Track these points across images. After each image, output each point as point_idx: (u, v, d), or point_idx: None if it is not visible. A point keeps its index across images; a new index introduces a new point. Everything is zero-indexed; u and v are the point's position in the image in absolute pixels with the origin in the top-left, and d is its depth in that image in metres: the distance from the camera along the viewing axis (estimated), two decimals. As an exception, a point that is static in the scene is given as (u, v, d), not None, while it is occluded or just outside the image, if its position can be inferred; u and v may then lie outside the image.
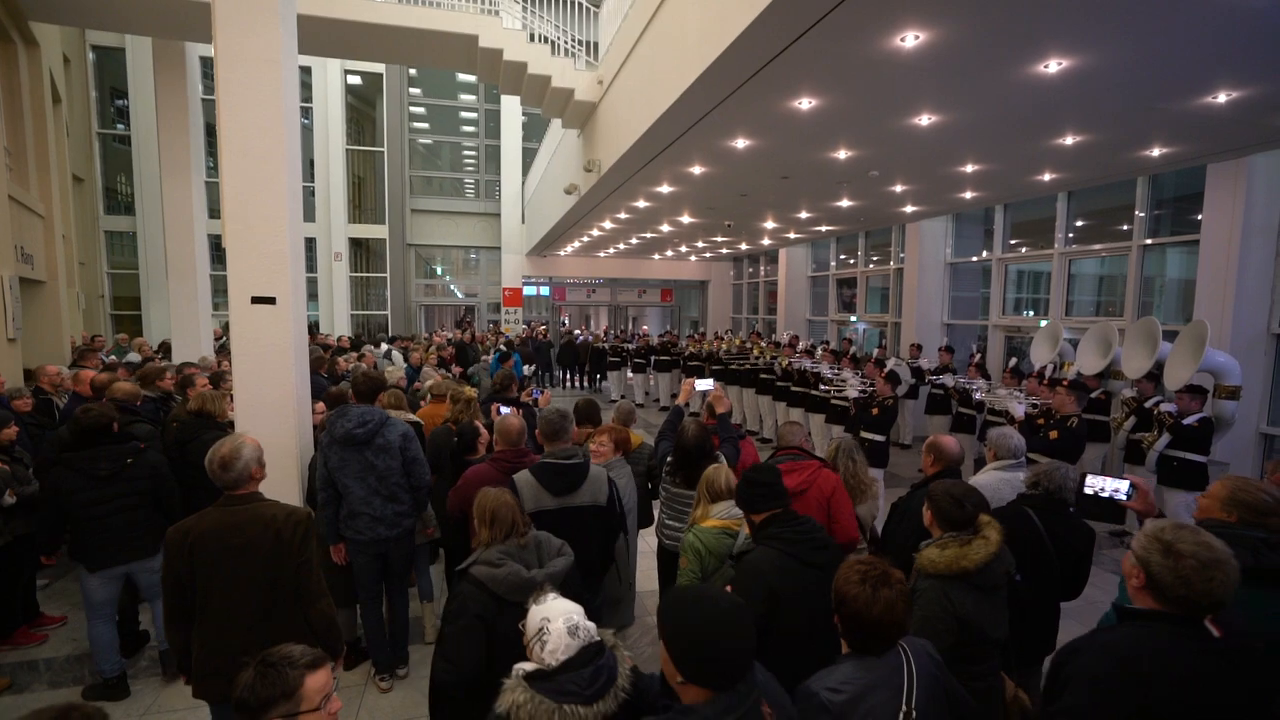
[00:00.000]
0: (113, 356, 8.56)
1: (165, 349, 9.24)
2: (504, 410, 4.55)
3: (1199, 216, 6.68)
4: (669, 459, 3.38)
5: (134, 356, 8.74)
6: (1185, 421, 5.28)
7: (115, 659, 3.58)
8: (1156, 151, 5.82)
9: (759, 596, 2.16)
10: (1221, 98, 4.38)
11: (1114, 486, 2.24)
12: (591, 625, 1.67)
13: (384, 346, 10.41)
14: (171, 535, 2.38)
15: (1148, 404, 5.87)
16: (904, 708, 1.59)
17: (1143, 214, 7.51)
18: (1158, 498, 5.66)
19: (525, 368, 10.27)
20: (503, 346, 11.67)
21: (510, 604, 2.06)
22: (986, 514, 2.31)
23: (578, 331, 17.64)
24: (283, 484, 3.90)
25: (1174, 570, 1.53)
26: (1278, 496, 2.15)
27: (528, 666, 1.61)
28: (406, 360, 8.84)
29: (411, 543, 3.74)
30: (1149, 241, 7.49)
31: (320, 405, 4.78)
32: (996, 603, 2.22)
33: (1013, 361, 7.90)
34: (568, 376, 16.06)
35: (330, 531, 3.55)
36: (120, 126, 14.77)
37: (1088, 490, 2.31)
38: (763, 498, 2.35)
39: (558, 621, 1.62)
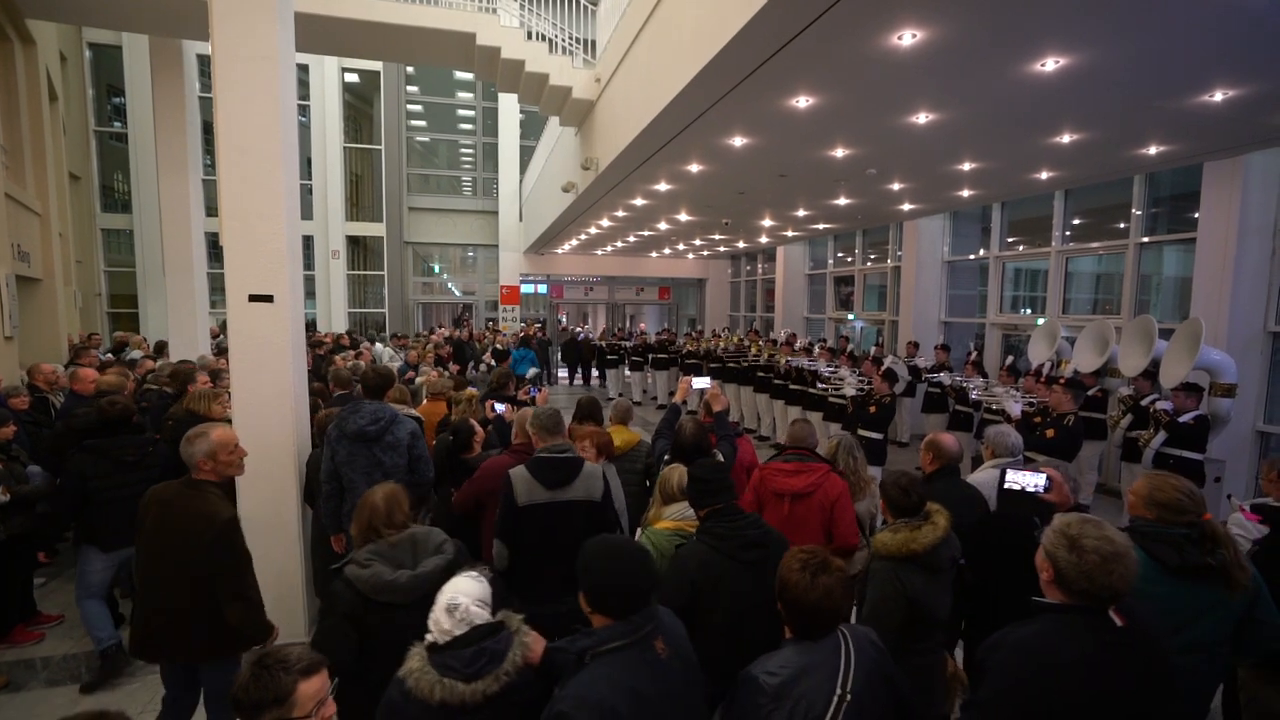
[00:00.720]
0: (110, 354, 8.54)
1: (160, 348, 9.21)
2: (499, 408, 4.56)
3: (1196, 215, 6.70)
4: (666, 457, 3.39)
5: (136, 354, 8.72)
6: (1181, 419, 5.29)
7: (109, 628, 3.71)
8: (1153, 150, 5.83)
9: (678, 588, 2.25)
10: (1218, 96, 4.38)
11: (1032, 481, 2.31)
12: (479, 611, 1.75)
13: (377, 346, 10.39)
14: (148, 492, 2.66)
15: (1144, 402, 5.88)
16: (839, 690, 1.62)
17: (1140, 212, 7.53)
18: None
19: (530, 370, 10.21)
20: (499, 346, 11.66)
21: (376, 603, 2.12)
22: (935, 503, 2.43)
23: (579, 329, 17.66)
24: (280, 481, 3.91)
25: (1077, 565, 1.61)
26: (1192, 494, 2.18)
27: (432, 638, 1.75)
28: (404, 359, 8.83)
29: None
30: (1146, 240, 7.50)
31: (320, 403, 4.78)
32: (943, 584, 2.35)
33: (1009, 359, 7.91)
34: (569, 374, 16.08)
35: (332, 522, 3.62)
36: (117, 124, 14.72)
37: (1008, 486, 2.38)
38: (704, 494, 2.42)
39: (443, 598, 1.75)
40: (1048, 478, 2.29)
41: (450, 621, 1.71)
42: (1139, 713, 1.58)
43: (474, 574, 1.85)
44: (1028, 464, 3.16)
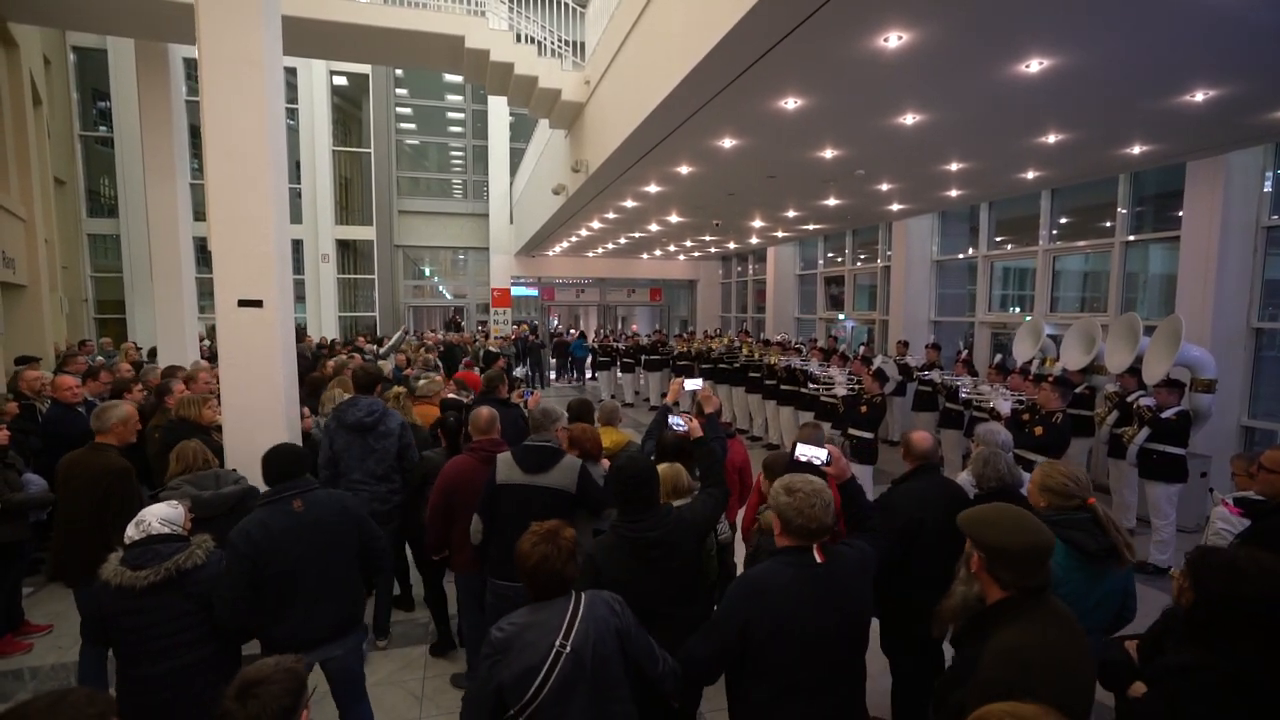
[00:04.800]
0: (99, 357, 8.46)
1: (152, 354, 9.12)
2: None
3: (1180, 213, 6.78)
4: (653, 458, 3.39)
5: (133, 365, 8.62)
6: (1163, 415, 5.36)
7: None
8: (1137, 149, 5.90)
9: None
10: (1199, 96, 4.45)
11: (817, 456, 2.48)
12: (159, 526, 2.34)
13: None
14: (65, 457, 3.46)
15: (1130, 398, 5.94)
16: (558, 642, 1.81)
17: (1125, 211, 7.61)
18: (1142, 490, 5.74)
19: (519, 370, 10.15)
20: (491, 349, 11.61)
21: None
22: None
23: (573, 330, 17.64)
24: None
25: (792, 504, 1.99)
26: (1079, 480, 2.38)
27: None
28: (394, 361, 8.82)
29: (399, 520, 4.04)
30: (1131, 238, 7.59)
31: (305, 410, 4.77)
32: None
33: (998, 358, 7.97)
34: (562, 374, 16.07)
35: None
36: (102, 128, 14.60)
37: (798, 457, 2.53)
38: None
39: (135, 517, 2.37)
40: (828, 452, 2.46)
41: (134, 531, 2.33)
42: (823, 627, 1.96)
43: (173, 501, 2.48)
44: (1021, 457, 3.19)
